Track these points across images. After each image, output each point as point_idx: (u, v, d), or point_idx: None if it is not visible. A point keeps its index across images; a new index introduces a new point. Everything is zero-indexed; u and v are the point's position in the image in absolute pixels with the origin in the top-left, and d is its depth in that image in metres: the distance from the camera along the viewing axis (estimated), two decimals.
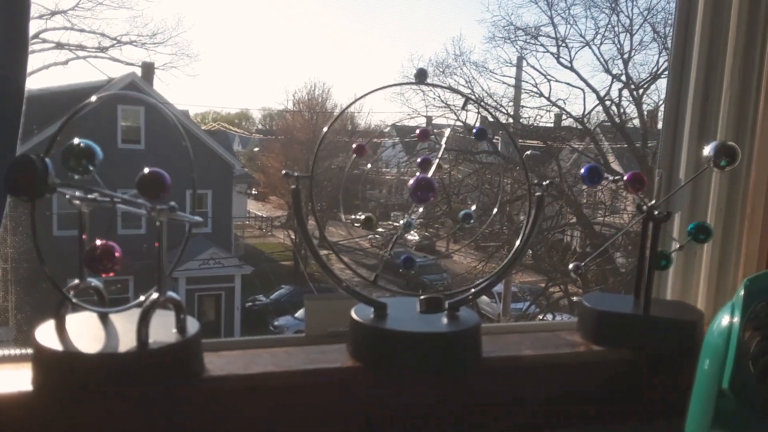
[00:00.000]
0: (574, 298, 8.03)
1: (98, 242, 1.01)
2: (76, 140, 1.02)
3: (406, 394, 1.28)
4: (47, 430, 1.08)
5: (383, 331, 1.24)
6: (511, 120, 9.68)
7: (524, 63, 9.82)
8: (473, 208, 1.48)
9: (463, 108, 1.62)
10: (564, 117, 9.96)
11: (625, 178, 1.38)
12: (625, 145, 9.05)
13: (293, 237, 14.07)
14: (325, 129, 1.39)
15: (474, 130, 1.42)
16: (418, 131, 1.45)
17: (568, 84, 9.61)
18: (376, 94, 1.32)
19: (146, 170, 1.04)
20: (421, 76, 1.30)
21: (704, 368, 1.06)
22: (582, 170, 1.39)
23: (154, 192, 1.03)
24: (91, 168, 1.01)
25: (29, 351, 1.11)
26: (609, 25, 9.51)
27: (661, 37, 9.14)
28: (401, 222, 1.40)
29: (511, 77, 9.82)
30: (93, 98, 1.07)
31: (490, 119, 9.86)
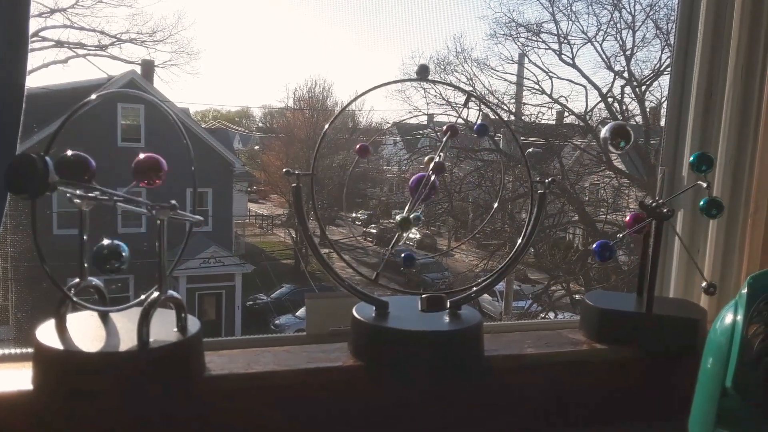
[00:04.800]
0: (576, 296, 8.02)
1: (142, 155, 1.07)
2: (105, 241, 1.04)
3: (408, 393, 1.27)
4: (47, 430, 1.07)
5: (385, 330, 1.24)
6: (512, 117, 9.66)
7: (526, 60, 9.81)
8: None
9: (464, 105, 1.57)
10: (566, 114, 9.95)
11: None
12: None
13: (294, 235, 14.07)
14: (326, 126, 1.37)
15: (475, 127, 1.41)
16: (445, 128, 1.41)
17: (570, 81, 9.58)
18: (376, 91, 1.31)
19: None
20: (422, 73, 1.29)
21: (707, 367, 1.05)
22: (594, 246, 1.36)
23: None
24: (123, 266, 1.04)
25: (29, 350, 1.10)
26: (611, 22, 9.48)
27: (663, 34, 9.12)
28: (398, 218, 1.38)
29: (512, 74, 9.80)
30: (93, 96, 1.06)
31: (492, 116, 9.84)
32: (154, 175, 1.07)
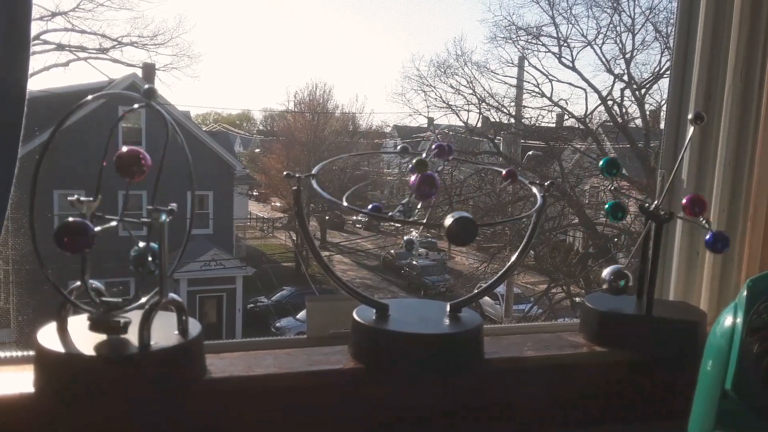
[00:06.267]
0: (577, 299, 8.02)
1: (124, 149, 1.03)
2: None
3: (409, 395, 1.27)
4: None
5: (385, 333, 1.24)
6: (513, 120, 9.68)
7: (526, 63, 9.83)
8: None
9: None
10: (566, 117, 9.97)
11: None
12: (628, 145, 9.05)
13: (295, 238, 14.07)
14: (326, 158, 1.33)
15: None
16: (504, 173, 1.45)
17: (570, 84, 9.61)
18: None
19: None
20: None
21: (707, 369, 1.05)
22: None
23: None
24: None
25: (31, 353, 1.10)
26: (611, 25, 9.51)
27: (663, 37, 9.15)
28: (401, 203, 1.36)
29: (512, 77, 9.82)
30: (89, 98, 1.07)
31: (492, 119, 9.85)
32: (137, 169, 1.04)
